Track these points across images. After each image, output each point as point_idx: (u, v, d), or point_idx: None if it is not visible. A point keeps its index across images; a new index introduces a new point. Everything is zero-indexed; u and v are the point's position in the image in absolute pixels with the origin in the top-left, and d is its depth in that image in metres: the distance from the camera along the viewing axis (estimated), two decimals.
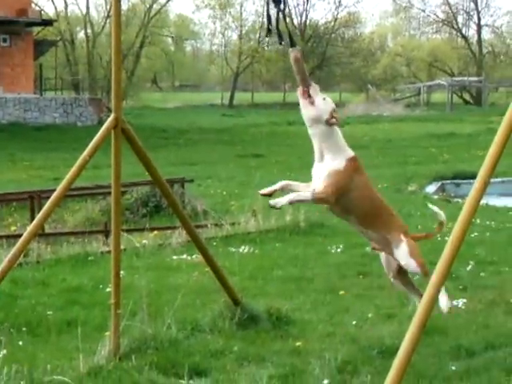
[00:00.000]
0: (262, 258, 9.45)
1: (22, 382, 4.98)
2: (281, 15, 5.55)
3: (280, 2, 5.53)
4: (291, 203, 5.44)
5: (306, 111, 5.44)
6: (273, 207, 5.43)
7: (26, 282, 8.09)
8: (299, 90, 5.45)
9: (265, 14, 5.65)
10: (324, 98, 5.44)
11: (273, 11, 5.56)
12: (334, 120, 5.43)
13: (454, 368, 5.33)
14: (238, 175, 19.57)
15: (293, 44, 5.44)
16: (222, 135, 33.39)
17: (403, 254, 5.52)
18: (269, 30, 5.61)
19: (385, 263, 5.83)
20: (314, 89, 5.41)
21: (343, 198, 5.46)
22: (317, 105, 5.40)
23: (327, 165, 5.44)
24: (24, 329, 6.28)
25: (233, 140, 31.10)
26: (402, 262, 5.54)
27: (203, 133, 34.72)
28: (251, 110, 57.51)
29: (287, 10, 5.66)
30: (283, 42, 5.50)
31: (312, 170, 5.52)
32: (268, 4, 5.57)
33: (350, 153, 5.58)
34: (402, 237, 5.56)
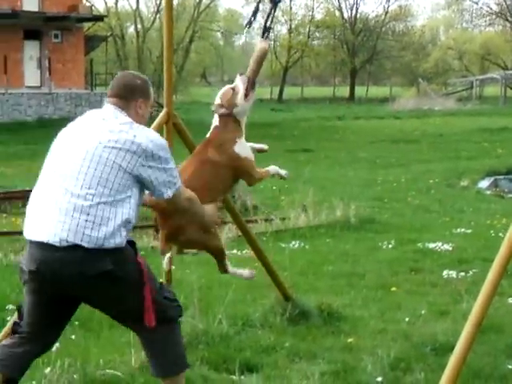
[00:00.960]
0: (312, 253, 9.42)
1: (76, 375, 5.02)
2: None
3: (277, 1, 5.51)
4: None
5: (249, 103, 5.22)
6: None
7: None
8: (249, 80, 5.20)
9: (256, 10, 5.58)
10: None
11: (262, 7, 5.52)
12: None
13: (510, 367, 5.23)
14: (287, 170, 19.44)
15: (266, 37, 5.38)
16: (271, 130, 33.35)
17: None
18: (250, 23, 5.55)
19: None
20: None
21: None
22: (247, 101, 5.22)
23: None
24: (76, 323, 6.32)
25: (282, 135, 31.04)
26: None
27: (253, 127, 34.45)
28: (300, 105, 57.40)
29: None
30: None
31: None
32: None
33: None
34: None
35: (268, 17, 5.47)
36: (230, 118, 5.17)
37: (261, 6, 5.53)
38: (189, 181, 4.76)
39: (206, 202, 4.71)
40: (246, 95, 5.16)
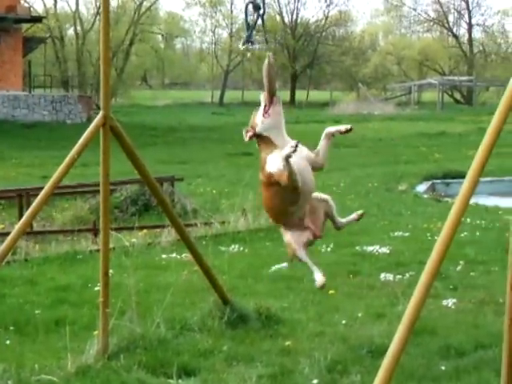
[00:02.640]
0: (251, 256, 9.43)
1: (10, 381, 4.95)
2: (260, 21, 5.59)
3: (259, 8, 5.56)
4: None
5: (281, 115, 5.46)
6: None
7: (14, 281, 8.05)
8: (276, 98, 5.47)
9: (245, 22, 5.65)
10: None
11: (251, 17, 5.58)
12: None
13: (443, 368, 5.32)
14: (227, 174, 19.53)
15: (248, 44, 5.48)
16: (212, 133, 33.33)
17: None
18: (248, 38, 5.61)
19: (294, 238, 5.73)
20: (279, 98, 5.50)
21: None
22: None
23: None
24: (11, 328, 6.24)
25: (223, 138, 31.03)
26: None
27: (193, 131, 34.65)
28: (241, 108, 57.37)
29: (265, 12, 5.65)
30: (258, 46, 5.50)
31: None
32: (246, 12, 5.59)
33: None
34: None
35: (249, 26, 5.56)
36: (260, 138, 5.44)
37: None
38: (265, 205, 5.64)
39: (280, 221, 5.65)
40: (265, 112, 5.41)
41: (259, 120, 5.42)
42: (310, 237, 5.70)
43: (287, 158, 5.19)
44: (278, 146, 5.40)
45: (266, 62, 5.40)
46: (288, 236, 5.67)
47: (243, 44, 5.65)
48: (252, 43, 5.55)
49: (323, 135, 5.60)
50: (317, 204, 5.73)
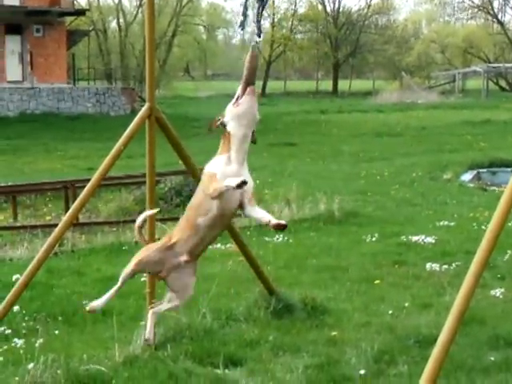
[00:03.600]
0: (296, 247, 9.42)
1: (59, 370, 5.00)
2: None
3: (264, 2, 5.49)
4: None
5: (253, 108, 5.05)
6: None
7: (62, 272, 8.15)
8: (250, 88, 5.03)
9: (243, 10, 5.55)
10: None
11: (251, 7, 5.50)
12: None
13: (492, 358, 5.26)
14: (271, 164, 19.52)
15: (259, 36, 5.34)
16: None
17: None
18: (242, 24, 5.50)
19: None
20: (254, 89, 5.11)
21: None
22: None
23: (249, 178, 4.95)
24: (60, 318, 6.32)
25: (265, 129, 30.97)
26: None
27: None
28: (284, 99, 57.36)
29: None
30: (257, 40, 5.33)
31: (223, 168, 4.90)
32: (246, 4, 5.48)
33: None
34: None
35: (258, 16, 5.47)
36: (224, 129, 4.99)
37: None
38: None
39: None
40: (236, 100, 5.02)
41: (228, 109, 5.02)
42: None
43: (226, 188, 4.75)
44: (230, 150, 4.91)
45: (251, 51, 5.17)
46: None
47: (239, 28, 5.49)
48: (259, 35, 5.42)
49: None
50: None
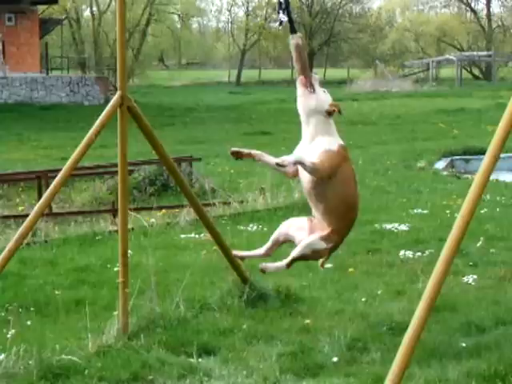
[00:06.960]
0: (270, 235, 9.40)
1: (31, 361, 4.98)
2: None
3: None
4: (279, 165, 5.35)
5: (307, 100, 5.44)
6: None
7: (34, 262, 8.09)
8: (300, 79, 5.42)
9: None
10: (324, 91, 5.54)
11: None
12: (334, 109, 5.48)
13: (464, 345, 5.30)
14: None
15: (294, 30, 5.41)
16: (229, 113, 33.25)
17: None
18: (280, 22, 5.56)
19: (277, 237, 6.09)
20: (315, 78, 5.44)
21: (324, 183, 5.41)
22: (317, 94, 5.43)
23: (321, 144, 5.42)
24: (32, 309, 6.28)
25: (240, 117, 30.99)
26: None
27: (210, 111, 34.60)
28: (258, 88, 57.31)
29: None
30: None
31: (296, 149, 5.55)
32: None
33: (342, 142, 5.50)
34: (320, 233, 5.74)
35: (285, 10, 5.49)
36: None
37: None
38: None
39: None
40: (311, 89, 5.45)
41: (312, 100, 5.46)
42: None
43: (277, 164, 5.31)
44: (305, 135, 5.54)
45: (293, 43, 5.32)
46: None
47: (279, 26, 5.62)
48: (281, 23, 5.50)
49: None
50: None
